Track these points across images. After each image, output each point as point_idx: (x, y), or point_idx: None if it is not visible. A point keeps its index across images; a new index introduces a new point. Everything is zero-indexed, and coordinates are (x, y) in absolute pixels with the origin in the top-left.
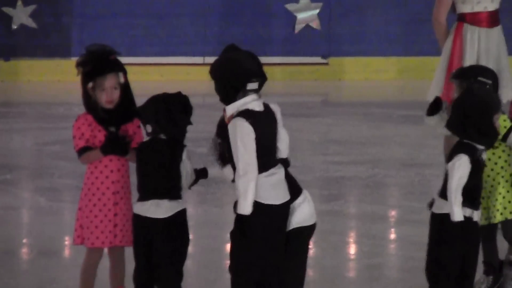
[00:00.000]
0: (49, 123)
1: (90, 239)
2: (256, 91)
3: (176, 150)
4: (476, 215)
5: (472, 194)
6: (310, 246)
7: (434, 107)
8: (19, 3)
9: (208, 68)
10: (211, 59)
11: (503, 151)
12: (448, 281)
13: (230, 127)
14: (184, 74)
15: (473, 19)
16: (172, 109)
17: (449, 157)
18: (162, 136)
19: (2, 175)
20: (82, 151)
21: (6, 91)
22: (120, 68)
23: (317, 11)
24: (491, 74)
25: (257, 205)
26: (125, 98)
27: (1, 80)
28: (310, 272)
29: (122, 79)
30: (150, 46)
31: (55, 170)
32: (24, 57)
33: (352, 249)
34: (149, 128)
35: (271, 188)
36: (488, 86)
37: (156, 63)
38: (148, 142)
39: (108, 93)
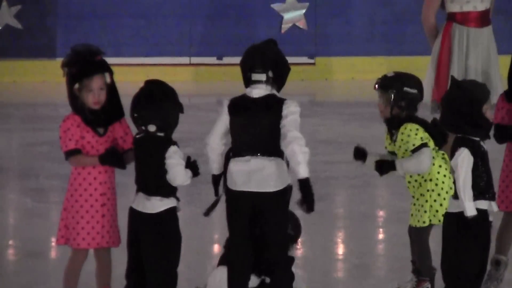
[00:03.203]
0: (35, 124)
1: (76, 240)
2: (266, 82)
3: (164, 146)
4: (495, 206)
5: (485, 186)
6: (298, 246)
7: (359, 154)
8: (4, 3)
9: (194, 68)
10: (197, 60)
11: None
12: (470, 278)
13: None
14: (171, 74)
15: (462, 18)
16: (170, 105)
17: (451, 155)
18: (155, 133)
19: None
20: (72, 153)
21: None
22: (106, 68)
23: (304, 11)
24: (416, 83)
25: (225, 187)
26: (112, 98)
27: None
28: (298, 272)
29: (108, 80)
30: (136, 47)
31: (41, 171)
32: (9, 57)
33: (341, 249)
34: (152, 128)
35: (236, 173)
36: (412, 97)
37: (142, 63)
38: (143, 138)
39: (95, 94)
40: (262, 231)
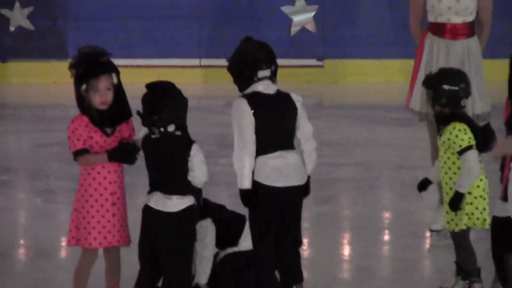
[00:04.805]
0: (45, 125)
1: (87, 240)
2: (270, 78)
3: (186, 145)
4: None
5: None
6: (304, 247)
7: (423, 185)
8: (17, 4)
9: (203, 70)
10: (207, 62)
11: (454, 163)
12: None
13: (232, 107)
14: (180, 76)
15: (435, 29)
16: (183, 103)
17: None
18: (173, 132)
19: None
20: (80, 153)
21: (2, 92)
22: (112, 69)
23: (313, 13)
24: (459, 79)
25: (257, 185)
26: (119, 99)
27: None
28: (303, 273)
29: (115, 80)
30: (146, 48)
31: (51, 172)
32: (21, 58)
33: (345, 251)
34: (171, 128)
35: (273, 170)
36: (453, 94)
37: (152, 65)
38: (161, 139)
39: (101, 95)
40: (283, 222)
